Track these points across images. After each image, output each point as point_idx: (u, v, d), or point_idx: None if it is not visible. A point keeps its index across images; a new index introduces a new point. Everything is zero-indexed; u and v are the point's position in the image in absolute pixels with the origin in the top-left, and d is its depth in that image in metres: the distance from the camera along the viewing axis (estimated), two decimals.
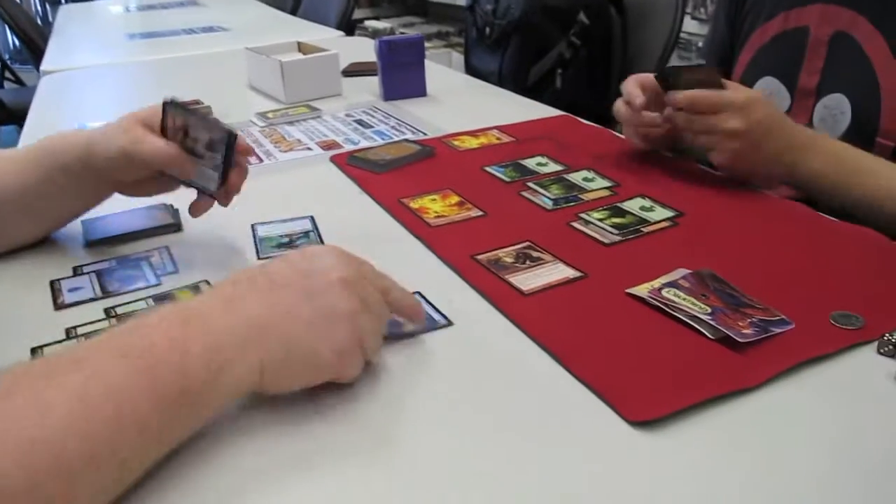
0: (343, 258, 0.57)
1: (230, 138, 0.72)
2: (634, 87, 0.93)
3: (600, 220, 0.83)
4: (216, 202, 0.77)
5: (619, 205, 0.87)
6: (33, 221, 0.79)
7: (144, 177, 0.76)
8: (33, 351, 0.62)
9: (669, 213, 0.85)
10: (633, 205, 0.87)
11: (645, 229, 0.81)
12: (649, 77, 0.93)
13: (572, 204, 0.88)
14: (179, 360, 0.47)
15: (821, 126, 0.99)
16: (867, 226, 0.80)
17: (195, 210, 0.78)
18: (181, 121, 0.73)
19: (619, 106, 0.97)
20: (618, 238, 0.79)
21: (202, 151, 0.74)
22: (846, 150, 0.87)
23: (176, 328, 0.49)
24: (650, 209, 0.86)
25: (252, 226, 0.85)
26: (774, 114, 0.87)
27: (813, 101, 1.01)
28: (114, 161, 0.73)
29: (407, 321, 0.63)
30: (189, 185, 0.77)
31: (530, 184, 0.95)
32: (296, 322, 0.52)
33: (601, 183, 0.94)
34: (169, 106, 0.73)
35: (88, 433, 0.42)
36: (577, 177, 0.96)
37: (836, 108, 0.97)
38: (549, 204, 0.89)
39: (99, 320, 0.67)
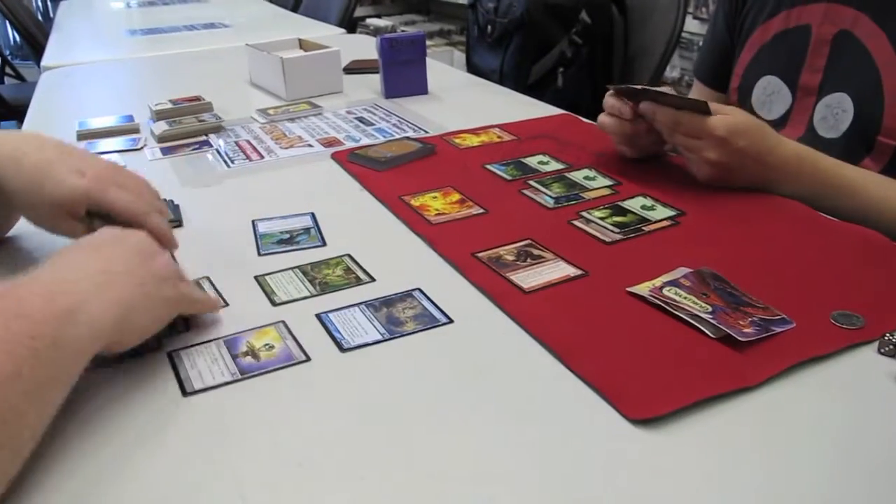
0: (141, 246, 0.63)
1: None
2: (617, 100, 0.94)
3: (601, 218, 0.83)
4: None
5: (620, 203, 0.87)
6: None
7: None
8: None
9: (670, 213, 0.84)
10: (635, 204, 0.87)
11: (646, 228, 0.81)
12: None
13: (573, 202, 0.88)
14: (16, 306, 0.48)
15: (821, 125, 0.99)
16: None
17: None
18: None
19: (604, 119, 0.97)
20: (619, 237, 0.79)
21: None
22: (828, 167, 0.88)
23: (9, 287, 0.50)
24: (651, 208, 0.86)
25: (252, 222, 0.85)
26: (752, 145, 0.85)
27: (814, 100, 1.00)
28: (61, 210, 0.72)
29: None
30: None
31: (531, 182, 0.95)
32: (133, 268, 0.58)
33: (602, 182, 0.94)
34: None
35: None
36: (578, 175, 0.96)
37: (838, 106, 0.97)
38: (550, 202, 0.89)
39: None
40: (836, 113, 0.97)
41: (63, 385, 0.50)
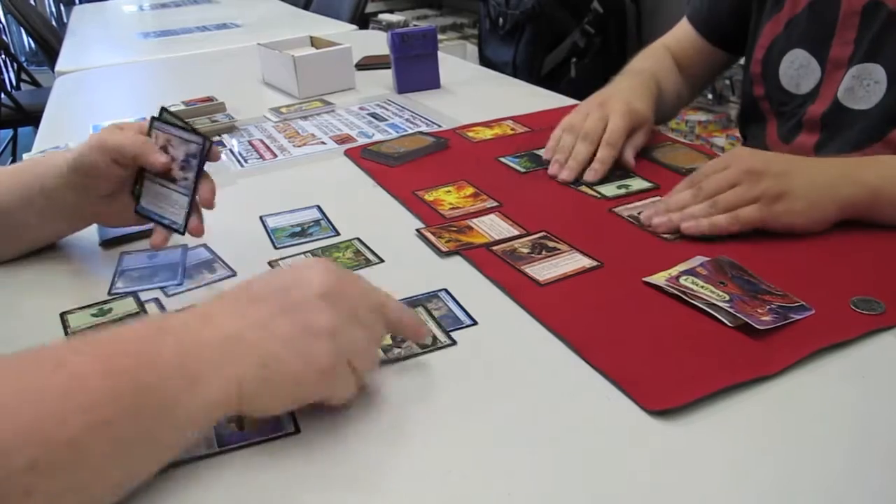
0: (329, 272, 0.53)
1: (205, 145, 0.73)
2: None
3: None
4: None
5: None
6: (8, 242, 0.78)
7: (118, 186, 0.74)
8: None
9: None
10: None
11: None
12: None
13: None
14: (149, 360, 0.46)
15: (847, 96, 0.94)
16: None
17: (155, 239, 0.75)
18: (164, 138, 0.74)
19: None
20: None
21: (177, 173, 0.73)
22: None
23: (150, 333, 0.48)
24: None
25: (260, 218, 0.86)
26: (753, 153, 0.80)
27: (843, 73, 0.95)
28: (89, 159, 0.71)
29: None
30: (159, 222, 0.75)
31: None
32: (272, 338, 0.49)
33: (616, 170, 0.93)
34: (155, 121, 0.74)
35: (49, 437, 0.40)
36: None
37: (870, 77, 0.92)
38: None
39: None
40: (866, 84, 0.92)
41: (165, 450, 0.47)
